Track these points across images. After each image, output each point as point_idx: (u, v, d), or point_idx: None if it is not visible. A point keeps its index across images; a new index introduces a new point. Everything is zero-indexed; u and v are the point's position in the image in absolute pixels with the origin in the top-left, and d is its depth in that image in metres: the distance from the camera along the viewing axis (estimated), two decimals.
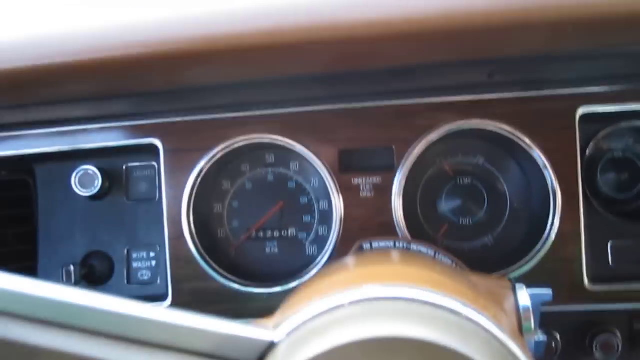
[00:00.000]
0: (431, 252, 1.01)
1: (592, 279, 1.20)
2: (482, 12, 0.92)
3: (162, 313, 0.58)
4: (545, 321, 0.87)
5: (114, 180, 1.32)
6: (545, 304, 0.90)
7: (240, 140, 1.24)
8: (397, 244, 1.02)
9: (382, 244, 1.03)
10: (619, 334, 1.20)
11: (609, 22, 0.91)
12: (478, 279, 0.88)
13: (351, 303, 0.60)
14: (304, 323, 0.60)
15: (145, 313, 0.58)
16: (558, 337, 1.22)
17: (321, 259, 1.24)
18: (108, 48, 0.97)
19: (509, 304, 0.86)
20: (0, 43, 0.99)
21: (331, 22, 0.95)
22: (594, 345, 1.20)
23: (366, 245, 1.03)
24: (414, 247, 1.02)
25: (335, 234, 1.23)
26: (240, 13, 0.95)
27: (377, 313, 0.58)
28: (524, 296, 0.86)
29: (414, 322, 0.56)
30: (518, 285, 0.88)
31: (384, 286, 0.62)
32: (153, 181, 1.32)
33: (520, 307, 0.85)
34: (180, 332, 0.58)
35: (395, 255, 0.94)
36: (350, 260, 0.91)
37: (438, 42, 0.96)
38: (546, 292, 0.90)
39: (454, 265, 1.00)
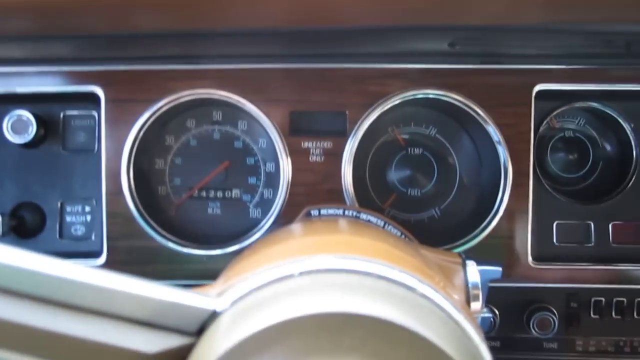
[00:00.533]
0: (380, 223, 0.98)
1: (535, 257, 1.20)
2: None
3: (96, 275, 0.53)
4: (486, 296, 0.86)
5: (49, 128, 1.24)
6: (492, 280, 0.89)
7: (187, 95, 1.18)
8: (346, 212, 0.99)
9: (331, 211, 1.00)
10: (555, 313, 1.21)
11: None
12: (428, 253, 0.86)
13: (301, 273, 0.56)
14: (250, 292, 0.56)
15: (77, 274, 0.52)
16: (497, 312, 1.22)
17: (265, 223, 1.20)
18: None
19: (458, 279, 0.84)
20: None
21: None
22: (531, 322, 1.21)
23: (314, 212, 1.00)
24: (363, 216, 0.99)
25: (282, 198, 1.19)
26: None
27: (329, 286, 0.54)
28: (474, 272, 0.85)
29: (367, 298, 0.53)
30: (468, 262, 0.86)
31: (337, 257, 0.58)
32: (92, 131, 1.25)
33: (470, 283, 0.83)
34: (116, 297, 0.53)
35: (345, 224, 0.90)
36: (298, 227, 0.87)
37: (399, 3, 0.91)
38: (495, 269, 0.89)
39: (403, 237, 0.98)
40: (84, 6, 0.91)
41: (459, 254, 0.89)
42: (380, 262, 0.58)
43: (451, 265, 0.86)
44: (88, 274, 0.53)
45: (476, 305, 0.80)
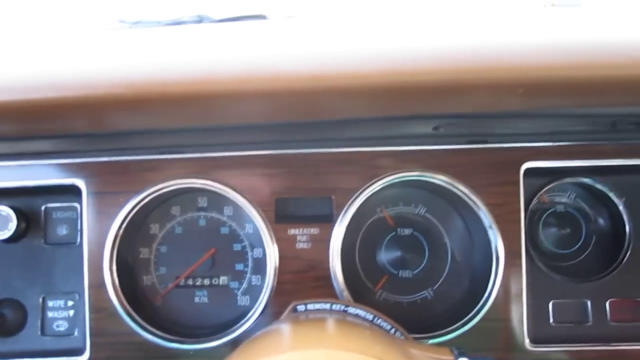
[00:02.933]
0: (369, 317, 0.95)
1: (533, 340, 1.16)
2: (430, 71, 0.87)
3: None
4: None
5: (30, 222, 1.21)
6: None
7: (170, 185, 1.16)
8: (333, 307, 0.96)
9: (318, 306, 0.97)
10: None
11: (552, 87, 0.88)
12: (418, 352, 0.83)
13: None
14: None
15: None
16: None
17: (253, 313, 1.16)
18: (26, 90, 0.89)
19: None
20: None
21: (272, 75, 0.89)
22: None
23: (301, 307, 0.97)
24: (351, 310, 0.96)
25: (269, 287, 1.16)
26: (168, 62, 0.88)
27: None
28: None
29: None
30: (460, 358, 0.84)
31: None
32: (74, 224, 1.22)
33: None
34: None
35: (332, 329, 0.87)
36: (284, 332, 0.84)
37: (383, 99, 0.91)
38: None
39: (394, 331, 0.94)
40: (65, 110, 0.90)
41: (451, 349, 0.86)
42: None
43: None
44: None
45: None
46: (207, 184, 1.16)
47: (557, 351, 1.17)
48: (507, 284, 1.16)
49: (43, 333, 1.21)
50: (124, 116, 0.96)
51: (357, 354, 0.67)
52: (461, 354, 0.86)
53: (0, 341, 1.19)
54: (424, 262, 1.26)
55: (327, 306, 0.96)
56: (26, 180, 1.18)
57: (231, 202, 1.21)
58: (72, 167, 1.17)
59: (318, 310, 0.96)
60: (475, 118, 1.00)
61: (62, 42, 1.14)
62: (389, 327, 0.95)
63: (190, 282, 1.25)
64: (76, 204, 1.22)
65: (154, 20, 1.36)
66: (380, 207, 1.27)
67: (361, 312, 0.95)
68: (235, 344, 1.15)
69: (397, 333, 0.95)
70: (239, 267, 1.25)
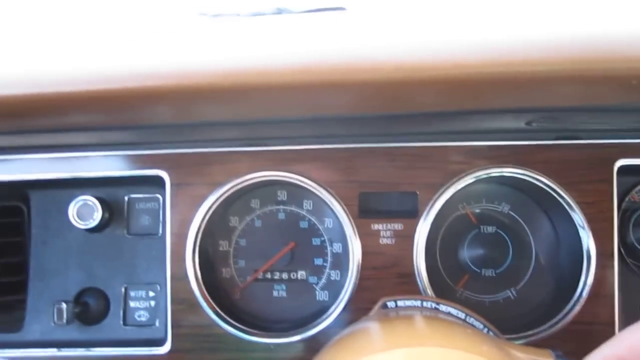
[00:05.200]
0: (461, 315, 0.93)
1: None
2: (528, 62, 0.84)
3: None
4: None
5: (114, 212, 1.22)
6: None
7: (254, 177, 1.15)
8: (424, 304, 0.94)
9: (408, 302, 0.94)
10: None
11: None
12: (518, 353, 0.80)
13: None
14: None
15: None
16: None
17: (335, 309, 1.15)
18: (113, 80, 0.89)
19: None
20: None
21: (359, 65, 0.87)
22: None
23: (390, 304, 0.94)
24: (442, 308, 0.93)
25: (352, 282, 1.14)
26: (255, 53, 0.87)
27: None
28: None
29: None
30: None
31: None
32: (156, 215, 1.23)
33: None
34: None
35: (430, 327, 0.84)
36: (381, 328, 0.82)
37: (479, 90, 0.88)
38: None
39: (486, 330, 0.92)
40: (149, 100, 0.90)
41: (550, 352, 0.83)
42: None
43: None
44: None
45: None
46: (290, 177, 1.15)
47: None
48: (598, 286, 1.12)
49: (125, 323, 1.22)
50: (209, 106, 0.95)
51: (469, 353, 0.64)
52: (559, 357, 0.83)
53: (83, 329, 1.20)
54: (508, 261, 1.22)
55: (418, 303, 0.94)
56: (111, 171, 1.18)
57: (311, 195, 1.20)
58: (155, 158, 1.17)
59: (408, 307, 0.94)
60: (574, 112, 0.96)
61: (147, 33, 1.14)
62: (481, 326, 0.92)
63: (268, 275, 1.25)
64: (158, 195, 1.22)
65: (234, 12, 1.36)
66: (462, 204, 1.24)
67: (453, 310, 0.93)
68: (316, 339, 1.13)
69: (490, 332, 0.92)
70: (318, 262, 1.24)
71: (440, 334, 0.76)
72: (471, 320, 0.93)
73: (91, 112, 0.95)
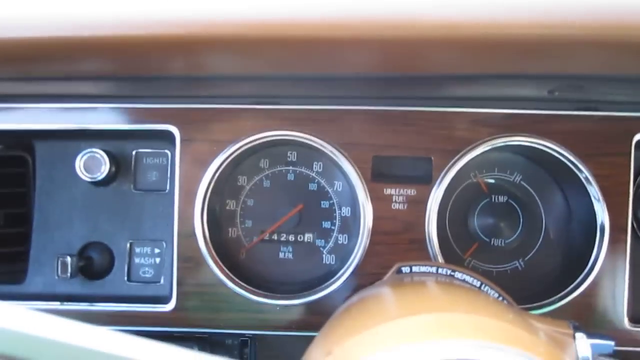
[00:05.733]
0: (477, 283, 0.92)
1: (632, 319, 1.11)
2: (552, 25, 0.81)
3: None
4: None
5: (121, 166, 1.20)
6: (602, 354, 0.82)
7: (266, 136, 1.13)
8: (439, 271, 0.92)
9: (423, 269, 0.93)
10: None
11: None
12: (538, 323, 0.79)
13: None
14: None
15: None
16: None
17: (344, 273, 1.13)
18: (124, 25, 0.85)
19: (569, 352, 0.78)
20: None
21: (378, 21, 0.83)
22: None
23: (405, 269, 0.93)
24: (458, 275, 0.92)
25: (362, 247, 1.13)
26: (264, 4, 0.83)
27: None
28: (585, 346, 0.78)
29: None
30: (578, 334, 0.80)
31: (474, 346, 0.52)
32: (164, 171, 1.20)
33: (580, 358, 0.77)
34: None
35: (449, 293, 0.83)
36: (402, 292, 0.81)
37: (503, 54, 0.85)
38: (607, 343, 0.81)
39: (501, 299, 0.91)
40: (161, 49, 0.87)
41: (568, 323, 0.82)
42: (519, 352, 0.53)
43: (562, 337, 0.80)
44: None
45: None
46: (303, 137, 1.13)
47: None
48: (609, 260, 1.11)
49: (129, 279, 1.20)
50: (221, 59, 0.93)
51: (499, 320, 0.63)
52: (576, 328, 0.82)
53: (86, 284, 1.19)
54: (517, 232, 1.21)
55: (434, 269, 0.93)
56: (119, 124, 1.16)
57: (321, 157, 1.18)
58: (166, 113, 1.14)
59: (423, 273, 0.93)
60: (597, 80, 0.94)
61: None
62: (496, 295, 0.91)
63: (275, 237, 1.23)
64: (167, 151, 1.20)
65: None
66: (474, 172, 1.23)
67: (468, 278, 0.92)
68: (322, 303, 1.12)
69: (505, 301, 0.91)
70: (326, 225, 1.22)
71: (463, 300, 0.75)
72: (486, 288, 0.92)
73: (100, 59, 0.92)
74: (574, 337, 0.79)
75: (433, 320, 0.61)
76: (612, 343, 0.81)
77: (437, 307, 0.69)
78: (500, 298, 0.91)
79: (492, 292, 0.91)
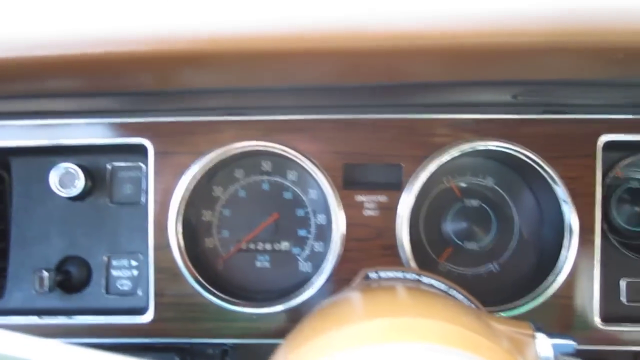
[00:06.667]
0: (443, 287, 0.93)
1: (603, 319, 1.13)
2: (517, 32, 0.83)
3: None
4: None
5: (96, 180, 1.21)
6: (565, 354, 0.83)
7: (238, 147, 1.14)
8: (406, 276, 0.94)
9: (390, 274, 0.94)
10: None
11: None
12: (498, 324, 0.81)
13: None
14: None
15: None
16: None
17: (318, 279, 1.15)
18: (95, 44, 0.86)
19: (529, 353, 0.79)
20: None
21: (344, 33, 0.84)
22: None
23: (372, 275, 0.94)
24: (424, 279, 0.93)
25: (335, 253, 1.14)
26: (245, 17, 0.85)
27: None
28: (546, 346, 0.80)
29: None
30: (539, 334, 0.81)
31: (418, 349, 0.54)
32: (139, 183, 1.22)
33: (541, 358, 0.78)
34: None
35: (412, 297, 0.85)
36: (363, 298, 0.82)
37: (467, 62, 0.87)
38: (568, 342, 0.82)
39: (469, 303, 0.92)
40: (131, 65, 0.88)
41: (530, 324, 0.83)
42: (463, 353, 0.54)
43: (522, 337, 0.81)
44: None
45: None
46: (274, 147, 1.15)
47: (629, 331, 1.13)
48: (579, 260, 1.13)
49: (107, 291, 1.22)
50: (192, 74, 0.93)
51: (450, 324, 0.65)
52: (538, 329, 0.83)
53: (65, 298, 1.20)
54: (491, 235, 1.22)
55: (400, 274, 0.94)
56: (93, 139, 1.17)
57: (295, 166, 1.20)
58: (139, 127, 1.16)
59: (390, 278, 0.94)
60: (560, 85, 0.96)
61: None
62: (462, 298, 0.93)
63: (252, 246, 1.24)
64: (141, 164, 1.21)
65: None
66: (447, 176, 1.24)
67: (435, 282, 0.93)
68: (298, 309, 1.14)
69: (472, 305, 0.93)
70: (302, 233, 1.24)
71: (421, 304, 0.76)
72: (453, 292, 0.93)
73: (70, 77, 0.93)
74: (534, 337, 0.81)
75: (386, 324, 0.63)
76: (573, 343, 0.83)
77: (393, 311, 0.70)
78: (467, 302, 0.93)
79: (459, 295, 0.93)
